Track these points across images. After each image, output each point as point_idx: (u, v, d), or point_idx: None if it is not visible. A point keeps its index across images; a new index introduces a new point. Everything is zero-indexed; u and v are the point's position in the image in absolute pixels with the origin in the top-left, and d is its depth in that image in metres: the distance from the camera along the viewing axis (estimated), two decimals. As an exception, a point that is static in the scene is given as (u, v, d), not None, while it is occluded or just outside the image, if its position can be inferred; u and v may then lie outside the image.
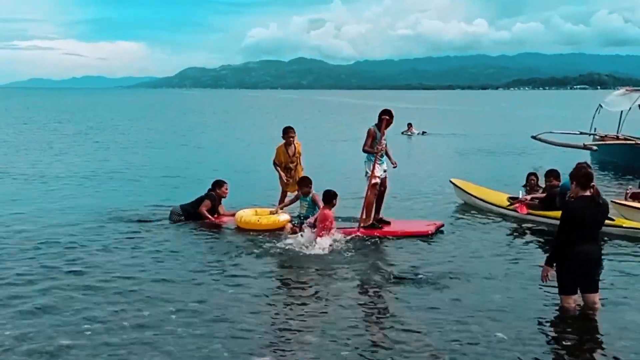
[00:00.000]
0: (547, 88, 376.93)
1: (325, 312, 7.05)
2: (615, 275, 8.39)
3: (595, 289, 6.87)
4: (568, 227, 6.55)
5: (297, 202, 11.60)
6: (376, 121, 11.04)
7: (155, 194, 15.19)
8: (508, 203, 12.40)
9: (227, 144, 30.76)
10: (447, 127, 39.97)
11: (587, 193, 6.63)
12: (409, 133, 33.53)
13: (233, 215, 11.75)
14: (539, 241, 10.54)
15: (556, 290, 7.01)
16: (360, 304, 7.35)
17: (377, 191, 10.99)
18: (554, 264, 6.79)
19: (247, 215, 11.43)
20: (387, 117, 10.96)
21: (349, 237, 10.23)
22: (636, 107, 21.94)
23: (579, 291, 6.87)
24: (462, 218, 12.34)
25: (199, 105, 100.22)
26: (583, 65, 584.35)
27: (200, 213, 11.78)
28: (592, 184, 6.67)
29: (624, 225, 10.79)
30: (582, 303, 6.91)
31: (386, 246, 10.13)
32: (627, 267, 8.94)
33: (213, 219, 11.74)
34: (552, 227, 10.39)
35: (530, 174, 13.93)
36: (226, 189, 12.27)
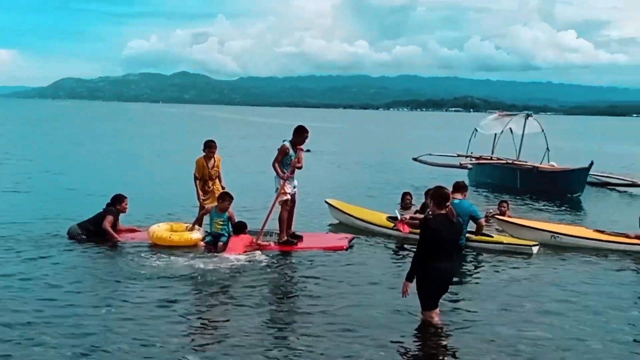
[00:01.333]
0: (424, 109, 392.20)
1: (230, 334, 6.83)
2: (492, 289, 8.79)
3: (435, 305, 7.25)
4: (427, 244, 6.91)
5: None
6: (290, 137, 10.99)
7: (42, 209, 14.22)
8: (388, 223, 12.52)
9: (111, 156, 29.49)
10: (329, 145, 40.55)
11: (443, 211, 7.05)
12: None
13: (132, 230, 11.51)
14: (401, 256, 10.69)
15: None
16: (273, 319, 7.36)
17: (288, 207, 10.95)
18: (413, 280, 7.07)
19: (160, 231, 11.03)
20: (304, 134, 10.99)
21: (264, 254, 10.28)
22: (508, 130, 23.08)
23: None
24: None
25: (74, 116, 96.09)
26: (458, 89, 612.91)
27: (104, 230, 11.16)
28: (448, 203, 7.11)
29: (504, 241, 11.37)
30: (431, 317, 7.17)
31: (302, 261, 10.13)
32: (502, 280, 9.33)
33: (118, 237, 11.19)
34: None
35: (405, 194, 14.29)
36: (126, 204, 11.72)
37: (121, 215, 11.71)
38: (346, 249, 10.91)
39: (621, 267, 10.41)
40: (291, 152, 10.93)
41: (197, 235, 11.08)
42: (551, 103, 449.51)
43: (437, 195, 7.20)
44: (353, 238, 11.61)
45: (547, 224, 12.53)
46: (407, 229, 11.99)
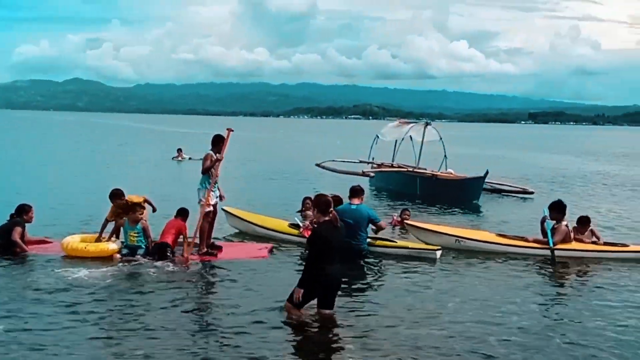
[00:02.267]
0: (324, 117, 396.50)
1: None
2: (395, 292, 9.03)
3: (332, 306, 7.54)
4: (317, 250, 7.17)
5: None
6: (211, 147, 10.92)
7: None
8: (291, 230, 12.41)
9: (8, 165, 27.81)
10: (230, 152, 39.84)
11: (327, 218, 7.30)
12: (179, 158, 33.38)
13: (43, 242, 11.12)
14: None
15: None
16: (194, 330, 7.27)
17: (210, 219, 10.85)
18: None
19: (74, 242, 10.62)
20: (222, 143, 10.91)
21: (184, 265, 10.20)
22: (408, 137, 23.59)
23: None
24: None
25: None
26: (357, 96, 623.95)
27: (14, 242, 10.59)
28: (331, 209, 7.38)
29: (408, 246, 11.61)
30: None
31: (223, 271, 10.05)
32: (406, 284, 9.54)
33: (28, 249, 10.68)
34: None
35: (305, 198, 14.25)
36: (32, 214, 11.16)
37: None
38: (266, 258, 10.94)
39: (520, 269, 10.82)
40: (215, 158, 10.86)
41: (113, 246, 10.69)
42: (446, 111, 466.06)
43: (319, 203, 7.46)
44: (273, 247, 11.53)
45: (451, 229, 12.87)
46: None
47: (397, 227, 14.18)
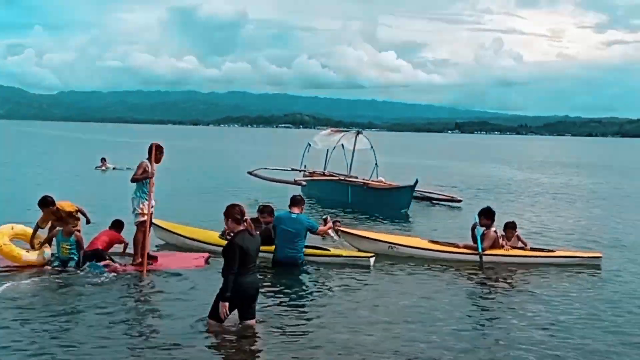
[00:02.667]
0: (255, 126, 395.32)
1: None
2: (329, 299, 9.12)
3: (253, 316, 7.52)
4: (234, 261, 7.09)
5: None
6: (147, 156, 10.66)
7: None
8: (221, 240, 12.23)
9: None
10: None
11: (242, 227, 7.29)
12: (103, 168, 32.70)
13: None
14: (260, 273, 10.65)
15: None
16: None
17: (144, 228, 10.56)
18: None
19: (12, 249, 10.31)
20: (159, 153, 10.74)
21: (121, 275, 10.02)
22: (340, 146, 23.76)
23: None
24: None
25: None
26: (287, 105, 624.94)
27: None
28: (245, 217, 7.37)
29: (342, 254, 11.71)
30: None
31: (157, 282, 9.91)
32: (340, 291, 9.63)
33: None
34: (269, 260, 11.21)
35: None
36: None
37: None
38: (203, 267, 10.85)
39: (450, 274, 11.08)
40: (149, 169, 10.60)
41: (43, 255, 10.51)
42: (376, 120, 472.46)
43: (233, 213, 7.37)
44: (209, 256, 11.36)
45: (385, 235, 13.08)
46: None
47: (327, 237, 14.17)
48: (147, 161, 10.68)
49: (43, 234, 11.03)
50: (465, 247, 12.14)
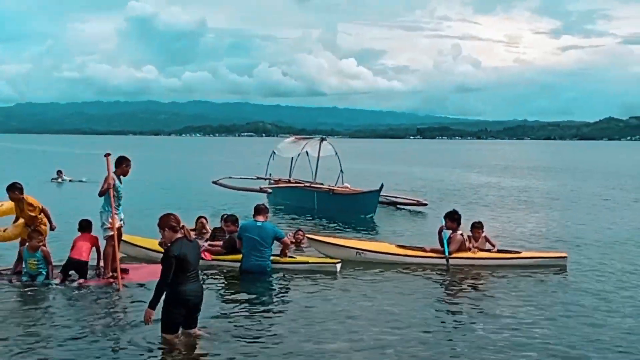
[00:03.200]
0: (217, 135, 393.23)
1: None
2: (296, 307, 9.01)
3: (195, 324, 7.42)
4: (169, 271, 6.93)
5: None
6: (114, 169, 10.52)
7: None
8: None
9: None
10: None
11: (179, 235, 7.17)
12: (59, 180, 32.22)
13: None
14: (227, 282, 10.78)
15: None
16: None
17: (114, 242, 10.41)
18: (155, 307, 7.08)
19: None
20: (125, 165, 10.71)
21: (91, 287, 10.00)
22: (304, 153, 23.75)
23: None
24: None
25: None
26: (249, 114, 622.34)
27: None
28: (182, 224, 7.28)
29: (309, 261, 11.71)
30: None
31: (130, 294, 9.79)
32: (307, 298, 9.56)
33: None
34: (235, 268, 11.24)
35: (199, 217, 14.05)
36: None
37: None
38: None
39: (418, 279, 11.10)
40: (117, 183, 10.51)
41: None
42: (338, 127, 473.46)
43: (167, 221, 7.23)
44: None
45: (352, 241, 13.07)
46: (209, 257, 11.77)
47: (292, 248, 14.07)
48: (113, 174, 10.54)
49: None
50: (432, 250, 12.19)
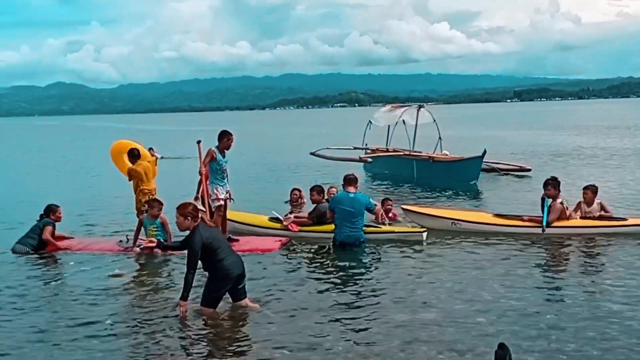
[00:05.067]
0: (310, 107, 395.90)
1: None
2: (389, 278, 8.79)
3: (245, 295, 7.62)
4: (195, 260, 7.14)
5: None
6: (217, 143, 11.04)
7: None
8: (271, 223, 12.27)
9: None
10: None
11: (195, 223, 7.36)
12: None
13: (71, 237, 11.79)
14: (315, 254, 10.84)
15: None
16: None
17: (222, 212, 10.97)
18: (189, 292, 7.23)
19: None
20: (227, 139, 11.05)
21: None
22: (401, 122, 23.48)
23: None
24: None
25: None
26: (341, 85, 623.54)
27: (46, 240, 11.19)
28: (200, 214, 7.49)
29: (395, 230, 11.71)
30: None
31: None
32: (396, 270, 9.45)
33: (59, 245, 11.27)
34: (325, 240, 11.20)
35: (293, 189, 14.18)
36: (60, 213, 11.77)
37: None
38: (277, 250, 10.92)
39: (513, 249, 10.67)
40: (218, 156, 10.96)
41: None
42: (431, 93, 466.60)
43: (191, 211, 7.39)
44: (288, 241, 11.53)
45: (447, 211, 12.81)
46: (296, 227, 11.86)
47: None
48: (215, 148, 10.95)
49: None
50: (530, 220, 11.71)
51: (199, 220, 7.39)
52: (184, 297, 7.22)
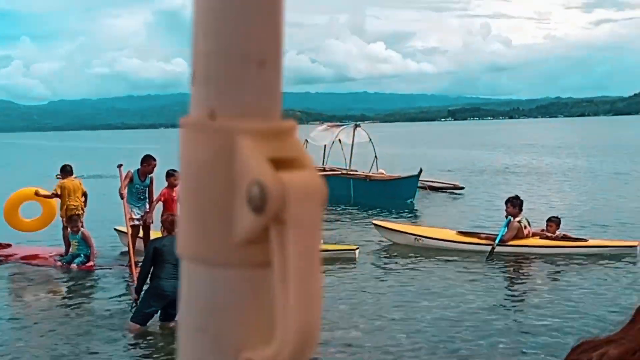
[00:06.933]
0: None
1: None
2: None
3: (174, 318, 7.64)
4: (150, 260, 7.54)
5: None
6: (139, 166, 11.42)
7: None
8: None
9: None
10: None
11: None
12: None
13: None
14: None
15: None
16: None
17: (137, 232, 11.22)
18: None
19: None
20: (147, 164, 11.38)
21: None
22: (337, 141, 23.53)
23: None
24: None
25: None
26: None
27: None
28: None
29: (328, 249, 11.46)
30: None
31: None
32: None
33: None
34: None
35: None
36: None
37: None
38: None
39: (463, 265, 10.87)
40: (136, 179, 11.32)
41: None
42: (368, 112, 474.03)
43: (170, 223, 7.79)
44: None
45: (411, 227, 13.17)
46: None
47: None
48: (134, 171, 11.35)
49: None
50: (487, 237, 11.80)
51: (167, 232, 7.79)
52: (136, 290, 7.74)
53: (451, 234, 12.42)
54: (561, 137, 77.07)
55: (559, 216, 12.36)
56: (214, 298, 0.41)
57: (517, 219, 11.62)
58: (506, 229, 11.50)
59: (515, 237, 11.51)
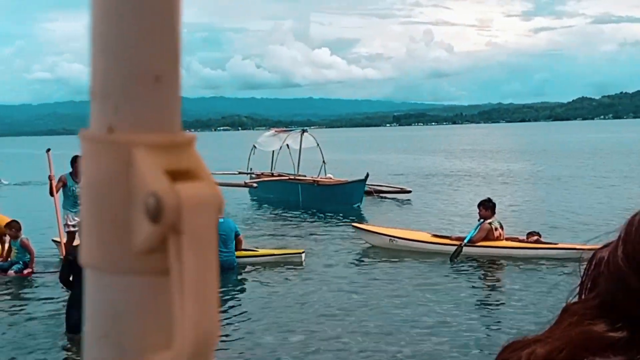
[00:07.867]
0: (193, 130, 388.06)
1: None
2: (262, 301, 8.82)
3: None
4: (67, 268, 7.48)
5: None
6: (70, 169, 11.03)
7: None
8: None
9: None
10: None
11: None
12: None
13: None
14: None
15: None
16: None
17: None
18: None
19: None
20: (78, 164, 10.75)
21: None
22: (285, 146, 23.64)
23: None
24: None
25: None
26: (224, 108, 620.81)
27: None
28: None
29: (274, 253, 11.94)
30: None
31: None
32: (270, 293, 9.59)
33: None
34: None
35: None
36: None
37: None
38: None
39: (432, 265, 11.21)
40: (70, 182, 10.96)
41: None
42: (314, 117, 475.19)
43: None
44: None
45: (386, 229, 13.13)
46: None
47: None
48: (66, 175, 11.11)
49: None
50: (457, 239, 11.93)
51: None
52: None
53: (426, 236, 12.63)
54: (502, 142, 78.95)
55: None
56: (116, 305, 0.42)
57: (489, 220, 11.75)
58: (476, 231, 11.70)
59: (485, 239, 11.63)
